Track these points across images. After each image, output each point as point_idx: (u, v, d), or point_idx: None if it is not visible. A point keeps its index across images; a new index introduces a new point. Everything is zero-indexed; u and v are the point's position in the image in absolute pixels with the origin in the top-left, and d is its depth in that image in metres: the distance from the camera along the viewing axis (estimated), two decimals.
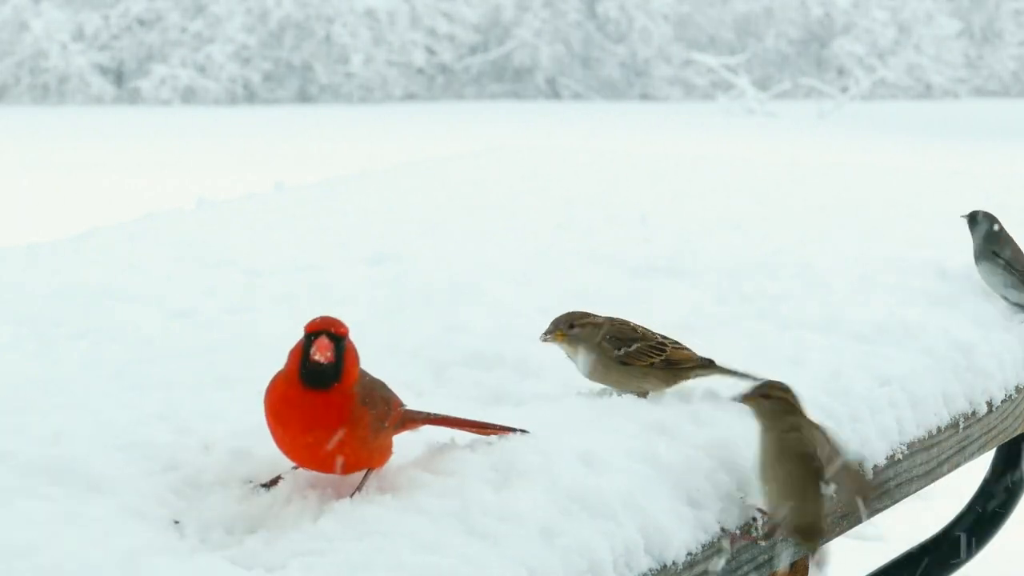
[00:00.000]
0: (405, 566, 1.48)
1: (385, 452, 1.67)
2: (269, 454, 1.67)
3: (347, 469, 1.64)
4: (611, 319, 1.99)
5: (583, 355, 1.97)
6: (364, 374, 1.66)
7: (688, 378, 1.98)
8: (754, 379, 1.89)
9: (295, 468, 1.67)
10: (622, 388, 1.97)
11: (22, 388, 1.98)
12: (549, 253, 2.84)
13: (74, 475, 1.63)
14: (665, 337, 1.99)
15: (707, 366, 1.98)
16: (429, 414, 1.73)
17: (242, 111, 25.05)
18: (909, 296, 2.55)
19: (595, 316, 2.00)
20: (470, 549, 1.53)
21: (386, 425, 1.65)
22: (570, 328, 1.98)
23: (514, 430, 1.77)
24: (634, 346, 1.95)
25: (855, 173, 4.16)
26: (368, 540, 1.52)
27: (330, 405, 1.61)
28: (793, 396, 1.80)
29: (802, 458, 1.77)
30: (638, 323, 2.01)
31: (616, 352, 1.95)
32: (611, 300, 2.44)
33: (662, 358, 1.96)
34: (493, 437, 1.75)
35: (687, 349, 1.99)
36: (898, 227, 3.19)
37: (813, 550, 1.84)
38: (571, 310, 2.02)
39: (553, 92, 28.64)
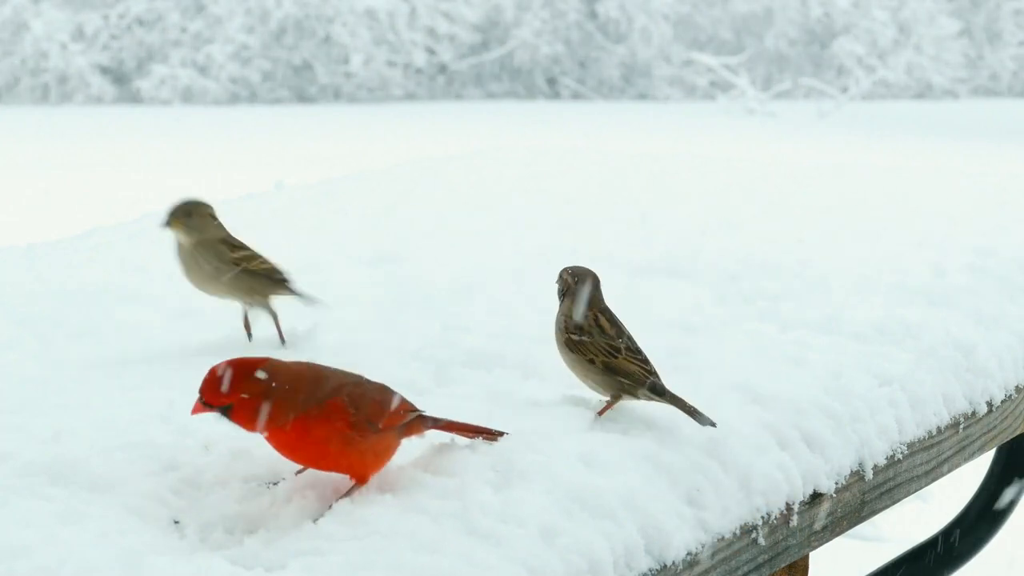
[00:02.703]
0: (405, 566, 1.48)
1: (381, 455, 1.65)
2: (269, 454, 1.67)
3: (334, 467, 1.64)
4: (598, 307, 1.91)
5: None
6: (332, 374, 1.66)
7: (635, 396, 1.87)
8: (700, 418, 1.81)
9: (299, 472, 1.67)
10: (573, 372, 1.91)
11: (22, 388, 1.98)
12: (549, 253, 2.84)
13: (74, 475, 1.63)
14: (633, 352, 1.88)
15: (654, 390, 1.85)
16: (437, 419, 1.72)
17: (242, 111, 25.05)
18: (909, 296, 2.55)
19: (583, 278, 1.93)
20: (470, 549, 1.53)
21: (380, 427, 1.64)
22: (568, 279, 1.95)
23: (502, 433, 1.76)
24: (584, 336, 1.89)
25: (855, 173, 4.16)
26: (368, 540, 1.52)
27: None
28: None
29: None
30: (620, 328, 1.91)
31: (569, 334, 1.90)
32: (611, 300, 2.44)
33: (603, 360, 1.87)
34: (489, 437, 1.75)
35: (641, 367, 1.86)
36: (898, 227, 3.19)
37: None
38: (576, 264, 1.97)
39: (553, 92, 28.64)
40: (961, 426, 2.29)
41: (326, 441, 1.61)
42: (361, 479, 1.64)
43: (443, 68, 28.22)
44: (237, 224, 3.24)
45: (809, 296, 2.52)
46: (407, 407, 1.69)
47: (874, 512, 2.10)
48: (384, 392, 1.68)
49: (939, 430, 2.23)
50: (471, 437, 1.74)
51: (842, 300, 2.50)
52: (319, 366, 1.67)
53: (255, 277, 2.23)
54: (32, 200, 12.42)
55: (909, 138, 19.91)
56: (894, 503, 2.15)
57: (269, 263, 2.25)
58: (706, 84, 28.31)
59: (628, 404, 1.90)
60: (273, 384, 1.61)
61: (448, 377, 2.04)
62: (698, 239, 2.98)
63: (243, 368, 1.61)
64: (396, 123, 21.61)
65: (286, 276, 2.26)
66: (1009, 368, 2.43)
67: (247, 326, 2.25)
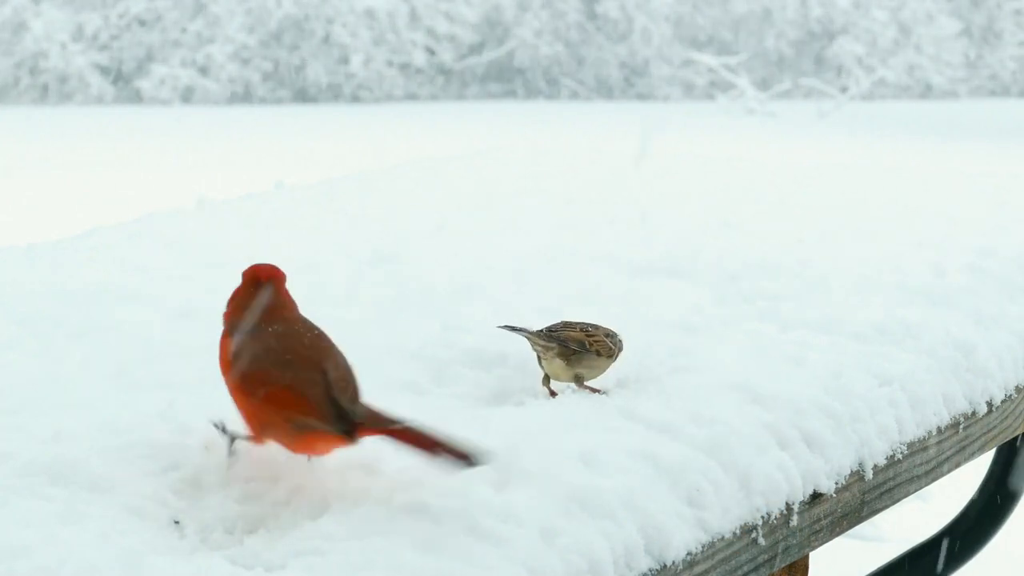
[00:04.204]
0: (405, 566, 1.48)
1: (304, 449, 1.64)
2: (269, 454, 1.67)
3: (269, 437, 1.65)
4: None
5: None
6: (306, 359, 1.65)
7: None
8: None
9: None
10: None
11: (22, 388, 1.98)
12: (549, 253, 2.84)
13: (74, 475, 1.63)
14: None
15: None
16: (394, 423, 1.61)
17: (242, 111, 25.05)
18: (909, 296, 2.55)
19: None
20: (470, 549, 1.53)
21: (311, 424, 1.62)
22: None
23: (468, 458, 1.60)
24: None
25: (855, 173, 4.16)
26: (368, 540, 1.52)
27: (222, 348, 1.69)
28: None
29: None
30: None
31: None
32: (611, 300, 2.44)
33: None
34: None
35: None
36: (898, 227, 3.19)
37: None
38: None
39: (553, 92, 28.64)
40: (961, 426, 2.29)
41: (255, 416, 1.64)
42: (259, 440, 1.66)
43: (443, 68, 28.22)
44: (237, 224, 3.24)
45: (809, 296, 2.52)
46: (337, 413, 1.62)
47: (874, 512, 2.10)
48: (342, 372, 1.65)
49: (939, 430, 2.23)
50: (434, 455, 1.59)
51: (842, 300, 2.50)
52: (313, 348, 1.66)
53: None
54: (32, 200, 12.42)
55: (909, 138, 19.91)
56: (894, 503, 2.15)
57: None
58: (706, 84, 28.30)
59: (625, 402, 1.90)
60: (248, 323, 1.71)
61: (448, 377, 2.04)
62: (698, 239, 2.98)
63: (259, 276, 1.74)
64: (396, 123, 21.60)
65: None
66: (1009, 368, 2.43)
67: None
